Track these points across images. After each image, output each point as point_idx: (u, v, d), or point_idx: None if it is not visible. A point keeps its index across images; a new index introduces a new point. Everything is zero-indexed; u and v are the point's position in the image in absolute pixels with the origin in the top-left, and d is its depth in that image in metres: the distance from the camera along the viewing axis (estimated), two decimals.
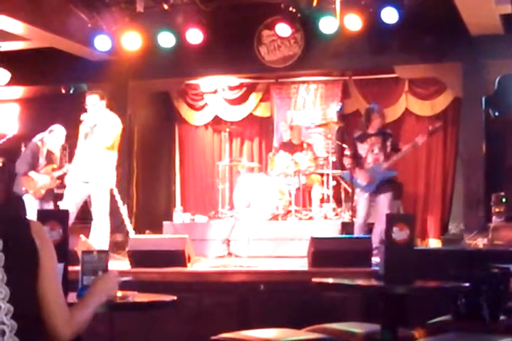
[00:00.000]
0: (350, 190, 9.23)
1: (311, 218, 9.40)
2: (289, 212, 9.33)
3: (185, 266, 6.56)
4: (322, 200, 9.68)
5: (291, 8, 8.96)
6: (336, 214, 9.38)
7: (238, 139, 11.55)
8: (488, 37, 9.17)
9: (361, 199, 8.05)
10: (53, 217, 3.35)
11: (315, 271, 6.21)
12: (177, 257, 6.55)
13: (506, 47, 9.10)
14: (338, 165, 10.05)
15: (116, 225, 7.73)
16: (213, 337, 3.91)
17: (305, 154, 9.72)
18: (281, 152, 9.87)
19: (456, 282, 3.98)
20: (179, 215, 9.73)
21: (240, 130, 11.01)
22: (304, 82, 11.13)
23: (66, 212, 3.62)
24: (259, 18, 10.07)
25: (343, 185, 9.67)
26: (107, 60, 10.07)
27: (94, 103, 7.74)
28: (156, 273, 6.33)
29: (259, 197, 9.28)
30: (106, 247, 7.28)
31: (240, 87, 11.46)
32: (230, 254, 8.25)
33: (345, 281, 4.25)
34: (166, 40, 9.45)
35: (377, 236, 7.45)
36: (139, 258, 6.62)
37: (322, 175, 9.74)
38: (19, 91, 11.52)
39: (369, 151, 8.03)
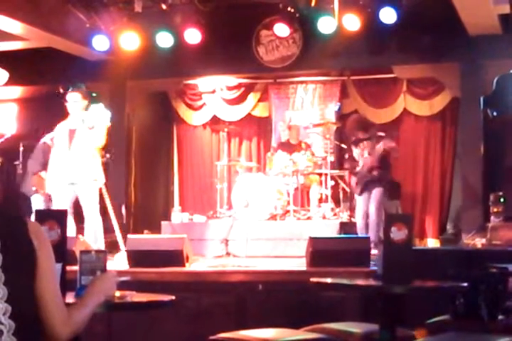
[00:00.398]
0: (348, 190, 9.27)
1: (309, 218, 9.39)
2: (288, 211, 9.33)
3: (183, 265, 6.55)
4: (320, 200, 9.68)
5: (289, 8, 8.97)
6: (335, 214, 9.38)
7: (236, 139, 11.54)
8: (486, 37, 9.17)
9: (359, 201, 8.44)
10: (51, 216, 3.34)
11: (313, 270, 6.20)
12: (175, 257, 6.54)
13: (504, 47, 9.11)
14: (337, 165, 10.07)
15: (106, 226, 7.65)
16: (211, 337, 3.91)
17: (303, 154, 9.72)
18: (279, 152, 9.86)
19: (455, 282, 3.98)
20: (177, 215, 9.72)
21: (238, 130, 11.00)
22: (302, 82, 11.13)
23: (64, 212, 3.61)
24: (258, 18, 10.07)
25: (342, 184, 9.69)
26: (105, 60, 10.06)
27: (76, 100, 7.54)
28: (155, 272, 6.32)
29: (257, 197, 9.27)
30: (102, 247, 7.24)
31: (238, 87, 11.45)
32: (228, 254, 8.23)
33: (344, 281, 4.24)
34: (164, 40, 9.44)
35: (372, 231, 7.99)
36: (137, 258, 6.61)
37: (320, 175, 9.73)
38: (17, 91, 11.50)
39: (360, 155, 8.39)
